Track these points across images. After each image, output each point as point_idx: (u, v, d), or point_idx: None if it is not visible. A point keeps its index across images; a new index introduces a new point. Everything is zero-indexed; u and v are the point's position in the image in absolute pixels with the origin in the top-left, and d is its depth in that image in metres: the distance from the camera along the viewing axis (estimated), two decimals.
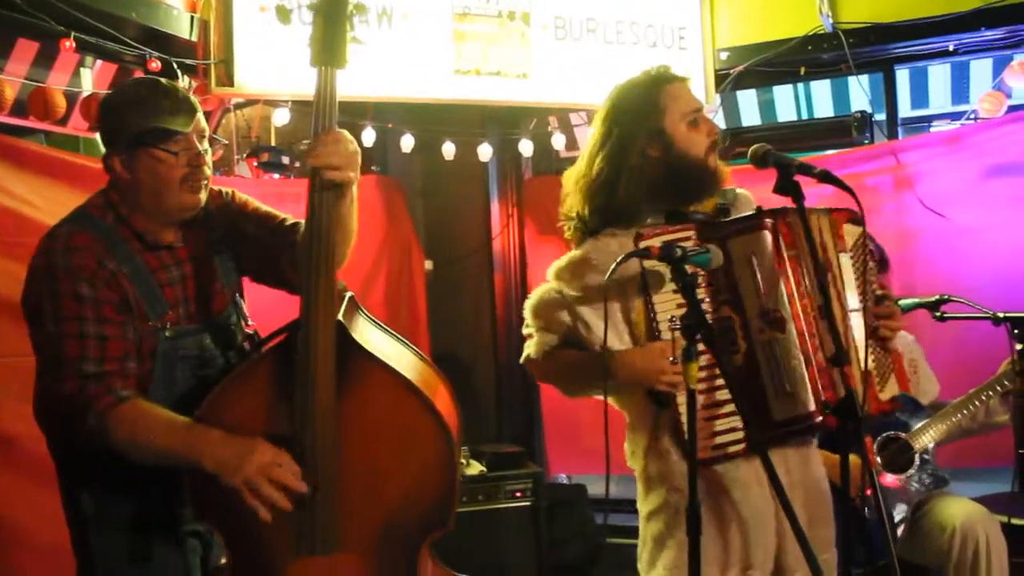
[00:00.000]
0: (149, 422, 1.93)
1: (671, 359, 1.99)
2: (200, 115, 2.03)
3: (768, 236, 2.04)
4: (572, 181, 2.21)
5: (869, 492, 1.93)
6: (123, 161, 1.99)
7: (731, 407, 2.02)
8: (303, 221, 1.99)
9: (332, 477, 1.91)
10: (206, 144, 2.06)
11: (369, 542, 1.97)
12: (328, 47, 1.90)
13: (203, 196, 2.06)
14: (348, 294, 2.04)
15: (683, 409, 1.98)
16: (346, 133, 1.91)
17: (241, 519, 1.92)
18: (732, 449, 2.04)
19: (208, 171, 2.05)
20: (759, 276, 2.03)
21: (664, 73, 2.18)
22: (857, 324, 2.11)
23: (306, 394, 1.88)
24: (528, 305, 2.23)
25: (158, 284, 2.04)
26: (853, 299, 2.12)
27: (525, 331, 2.27)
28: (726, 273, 2.04)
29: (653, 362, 2.02)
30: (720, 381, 2.00)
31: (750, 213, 2.10)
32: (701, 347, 1.91)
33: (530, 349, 2.22)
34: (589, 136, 2.25)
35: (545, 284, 2.22)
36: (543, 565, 3.90)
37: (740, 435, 2.02)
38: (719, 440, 2.03)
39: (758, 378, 2.03)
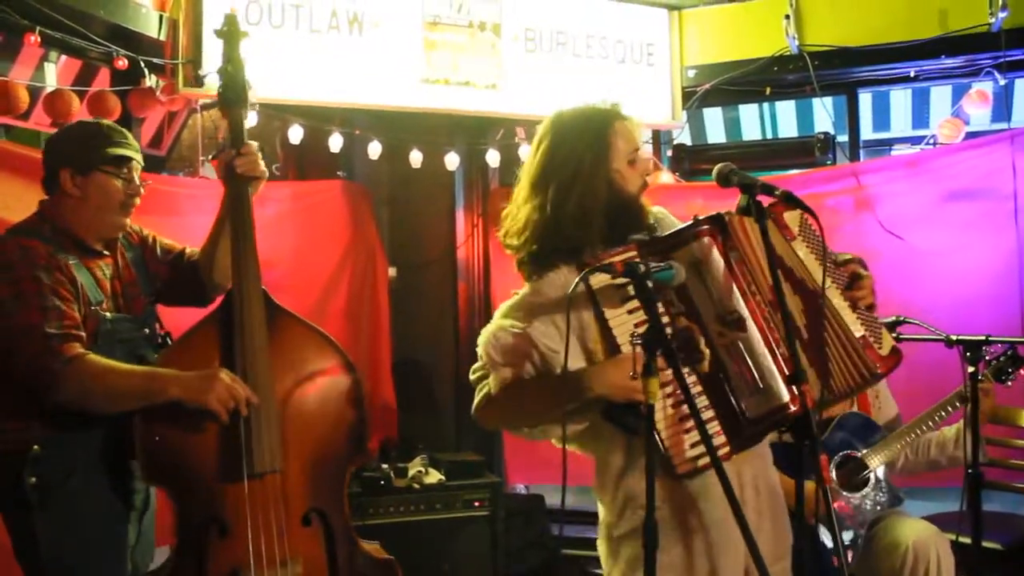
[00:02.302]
0: (115, 367, 2.25)
1: (632, 375, 1.96)
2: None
3: (708, 242, 2.06)
4: (523, 210, 2.16)
5: (824, 510, 1.93)
6: (76, 180, 2.35)
7: (706, 415, 1.99)
8: (196, 249, 2.58)
9: (270, 403, 2.33)
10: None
11: (304, 466, 2.37)
12: (231, 99, 2.48)
13: (128, 221, 2.46)
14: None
15: (660, 425, 1.96)
16: (257, 144, 2.49)
17: (187, 464, 2.27)
18: (706, 461, 1.99)
19: (138, 201, 2.45)
20: (708, 282, 2.05)
21: (615, 110, 2.20)
22: (836, 298, 2.12)
23: (243, 340, 2.33)
24: (481, 342, 2.13)
25: (95, 278, 2.37)
26: (820, 276, 2.09)
27: (475, 375, 2.17)
28: (677, 286, 2.05)
29: (625, 371, 1.95)
30: (692, 390, 1.97)
31: (687, 224, 2.11)
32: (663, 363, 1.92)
33: (490, 386, 2.12)
34: (530, 161, 2.21)
35: (495, 322, 2.16)
36: (500, 575, 3.89)
37: (720, 440, 2.00)
38: (696, 452, 2.00)
39: (727, 381, 2.03)
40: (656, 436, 2.00)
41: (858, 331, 2.13)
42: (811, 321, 2.09)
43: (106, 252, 2.44)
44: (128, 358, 2.34)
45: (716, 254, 2.05)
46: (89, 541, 2.28)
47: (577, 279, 1.98)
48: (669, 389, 1.99)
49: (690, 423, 2.00)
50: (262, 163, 2.47)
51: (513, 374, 2.09)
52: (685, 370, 2.00)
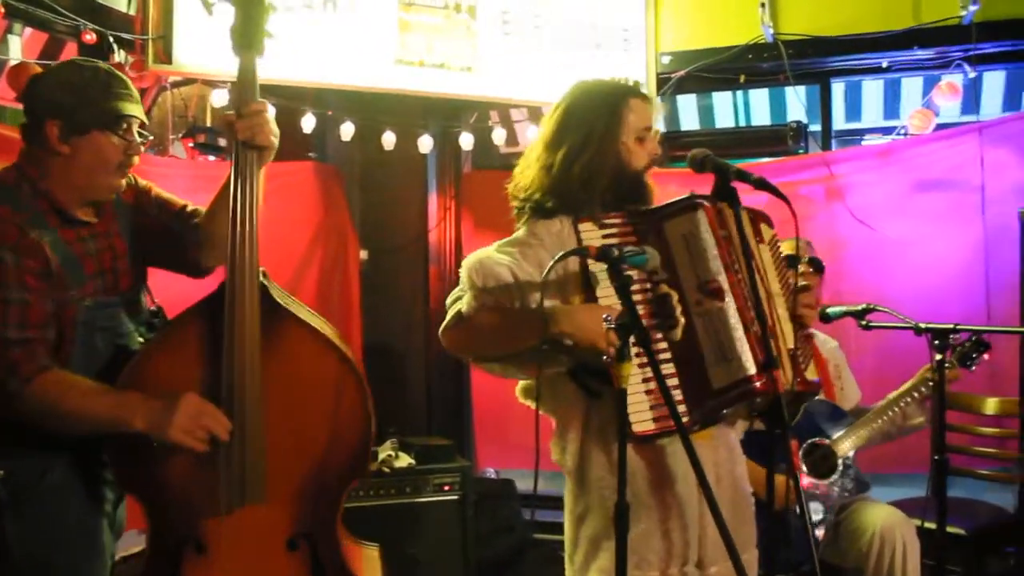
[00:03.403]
0: (75, 389, 1.98)
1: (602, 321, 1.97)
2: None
3: (701, 215, 2.10)
4: (532, 167, 2.23)
5: (794, 499, 1.95)
6: (65, 137, 2.03)
7: (670, 383, 2.02)
8: (201, 208, 2.21)
9: (258, 429, 2.01)
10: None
11: (294, 491, 2.09)
12: (246, 36, 2.03)
13: (124, 182, 2.15)
14: (260, 269, 2.12)
15: (625, 385, 1.95)
16: (266, 103, 2.06)
17: (164, 484, 2.02)
18: (662, 425, 2.03)
19: (137, 160, 2.14)
20: (694, 252, 2.09)
21: (634, 87, 2.27)
22: (780, 308, 2.18)
23: (233, 350, 1.98)
24: (465, 264, 2.16)
25: (76, 255, 2.07)
26: (775, 285, 2.20)
27: (451, 299, 2.18)
28: (663, 254, 2.07)
29: (598, 316, 1.99)
30: (660, 356, 2.01)
31: (682, 197, 2.15)
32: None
33: (461, 305, 2.14)
34: (546, 123, 2.28)
35: (484, 250, 2.19)
36: (470, 559, 3.90)
37: (681, 409, 2.02)
38: (658, 414, 2.02)
39: (697, 350, 2.06)
40: (621, 397, 1.98)
41: (791, 343, 2.18)
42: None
43: (93, 219, 2.13)
44: (108, 347, 2.10)
45: (707, 227, 2.09)
46: (65, 538, 2.08)
47: (560, 254, 2.00)
48: (635, 350, 1.97)
49: (653, 386, 2.02)
50: (271, 127, 2.04)
51: (488, 299, 2.12)
52: (658, 335, 2.05)
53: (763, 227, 2.26)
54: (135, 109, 2.10)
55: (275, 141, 2.05)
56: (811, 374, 2.23)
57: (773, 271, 2.22)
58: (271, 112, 2.06)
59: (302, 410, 2.09)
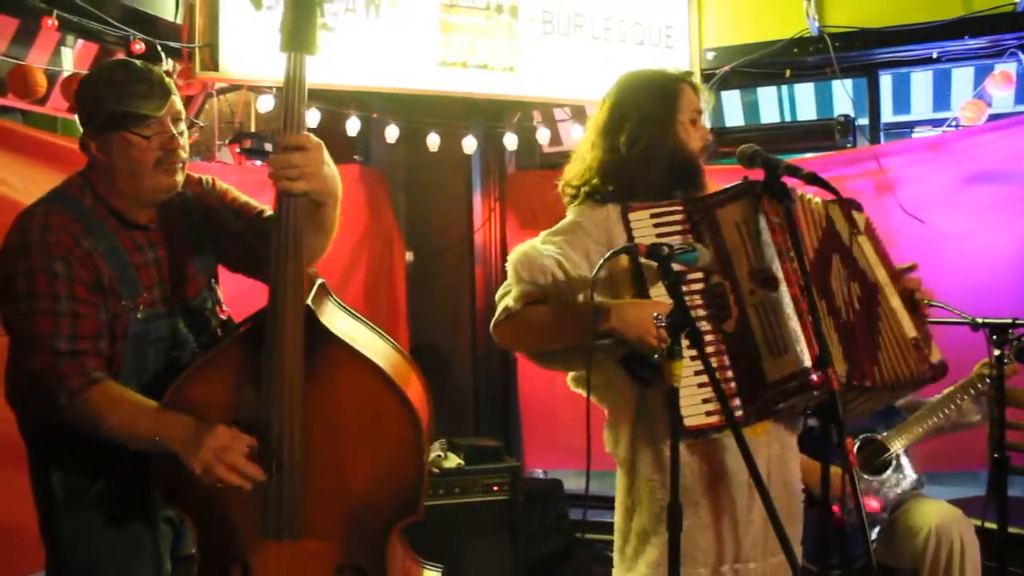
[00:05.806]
0: (119, 405, 1.95)
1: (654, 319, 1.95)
2: (175, 98, 2.03)
3: (755, 202, 2.08)
4: (588, 154, 2.24)
5: (849, 494, 1.92)
6: (97, 143, 2.00)
7: (725, 375, 2.01)
8: None
9: (299, 462, 1.92)
10: (182, 127, 2.05)
11: (337, 528, 1.99)
12: (297, 33, 1.87)
13: (179, 179, 2.06)
14: (319, 281, 2.06)
15: (677, 384, 1.92)
16: (311, 138, 1.86)
17: (207, 503, 1.96)
18: (715, 420, 2.01)
19: (184, 154, 2.05)
20: (747, 239, 2.07)
21: (685, 74, 2.30)
22: (894, 299, 2.16)
23: (273, 379, 1.89)
24: (511, 259, 2.16)
25: (133, 265, 2.04)
26: (882, 274, 2.18)
27: (500, 293, 2.18)
28: (716, 243, 2.06)
29: (647, 312, 1.98)
30: (709, 350, 1.98)
31: (736, 183, 2.13)
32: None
33: (508, 300, 2.14)
34: (598, 113, 2.29)
35: (530, 242, 2.19)
36: (518, 559, 3.90)
37: (735, 403, 2.01)
38: (711, 408, 1.99)
39: (751, 342, 2.03)
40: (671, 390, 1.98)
41: (911, 332, 2.15)
42: (865, 310, 2.12)
43: (155, 226, 2.09)
44: (160, 360, 2.08)
45: (762, 213, 2.07)
46: (114, 545, 2.07)
47: (610, 252, 1.99)
48: (686, 343, 1.95)
49: (706, 379, 1.97)
50: (310, 168, 1.85)
51: (536, 292, 2.12)
52: (708, 327, 2.03)
53: (855, 214, 2.23)
54: (149, 105, 1.96)
55: (316, 185, 1.87)
56: (935, 355, 2.18)
57: (876, 259, 2.19)
58: (311, 116, 1.87)
59: (346, 447, 1.97)
